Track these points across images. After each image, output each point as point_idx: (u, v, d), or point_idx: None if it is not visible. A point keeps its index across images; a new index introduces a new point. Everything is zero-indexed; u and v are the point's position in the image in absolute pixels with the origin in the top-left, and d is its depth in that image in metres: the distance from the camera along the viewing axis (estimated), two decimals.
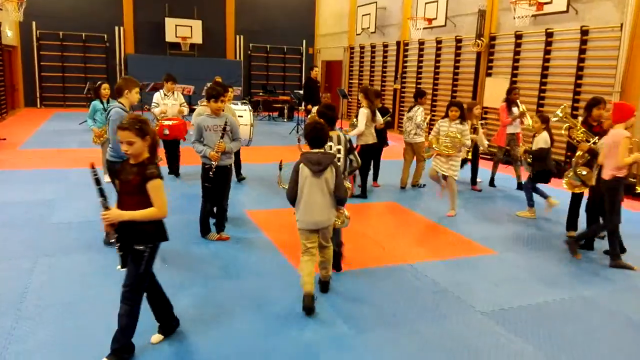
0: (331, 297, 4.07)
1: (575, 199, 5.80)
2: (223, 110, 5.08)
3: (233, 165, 5.43)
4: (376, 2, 15.91)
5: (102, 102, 7.39)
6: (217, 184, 5.08)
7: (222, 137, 4.95)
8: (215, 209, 5.37)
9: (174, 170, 7.93)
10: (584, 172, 5.50)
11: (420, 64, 14.35)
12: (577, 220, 5.89)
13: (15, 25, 16.37)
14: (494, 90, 11.52)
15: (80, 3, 17.37)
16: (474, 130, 7.41)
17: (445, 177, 6.51)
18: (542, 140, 6.19)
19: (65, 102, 17.51)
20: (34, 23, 16.79)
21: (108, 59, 18.02)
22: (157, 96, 7.94)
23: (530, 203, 6.50)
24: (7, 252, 4.69)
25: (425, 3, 13.47)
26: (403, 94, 15.21)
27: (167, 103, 7.92)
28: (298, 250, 5.07)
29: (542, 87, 10.30)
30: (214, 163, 4.93)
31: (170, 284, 4.20)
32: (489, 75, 11.83)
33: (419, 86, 14.38)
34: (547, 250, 5.44)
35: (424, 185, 7.93)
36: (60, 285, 4.11)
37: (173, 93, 7.98)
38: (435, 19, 13.17)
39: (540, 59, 10.34)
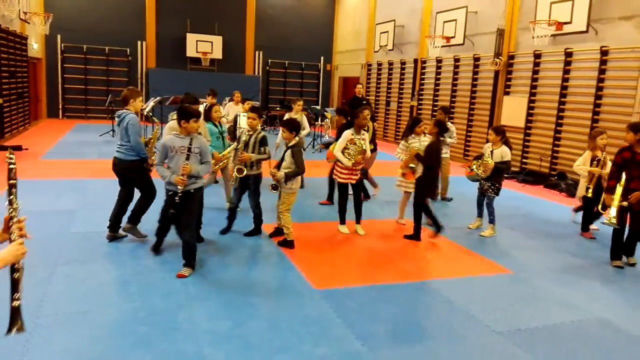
0: (345, 314, 4.06)
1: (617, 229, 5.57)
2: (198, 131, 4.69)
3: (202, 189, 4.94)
4: (394, 20, 16.03)
5: (215, 126, 6.80)
6: (180, 211, 4.61)
7: (187, 159, 4.51)
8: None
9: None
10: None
11: (438, 82, 14.37)
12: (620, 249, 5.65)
13: (41, 38, 16.82)
14: (512, 109, 11.48)
15: (104, 17, 17.79)
16: (597, 162, 6.34)
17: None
18: (505, 153, 6.23)
19: (87, 114, 17.86)
20: (59, 36, 17.23)
21: (130, 73, 18.37)
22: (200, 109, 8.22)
23: (492, 219, 6.45)
24: (26, 261, 4.74)
25: (444, 22, 13.54)
26: (420, 111, 15.22)
27: None
28: (314, 265, 5.10)
29: (561, 107, 10.24)
30: (179, 188, 4.48)
31: (185, 295, 4.24)
32: (507, 94, 11.80)
33: (436, 103, 14.39)
34: (564, 271, 5.36)
35: (451, 198, 7.97)
36: (77, 294, 4.17)
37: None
38: (454, 37, 13.21)
39: (559, 78, 10.30)
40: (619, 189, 5.44)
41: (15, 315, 2.08)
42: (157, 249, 5.13)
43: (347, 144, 6.05)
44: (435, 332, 3.87)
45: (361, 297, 4.41)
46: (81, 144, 12.17)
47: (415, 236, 6.13)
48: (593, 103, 9.53)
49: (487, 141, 6.56)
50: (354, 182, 6.23)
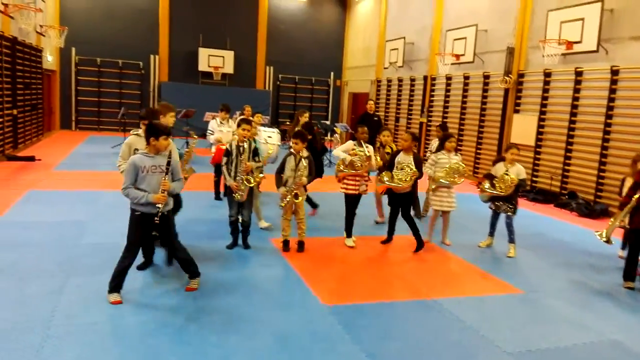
0: (354, 331, 4.05)
1: (633, 248, 5.51)
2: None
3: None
4: (404, 38, 16.14)
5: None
6: (160, 232, 4.47)
7: (165, 175, 4.29)
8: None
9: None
10: None
11: (447, 99, 14.41)
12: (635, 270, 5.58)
13: (56, 51, 17.10)
14: (522, 127, 11.48)
15: (118, 31, 18.08)
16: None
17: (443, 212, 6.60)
18: (521, 171, 6.22)
19: (99, 125, 18.06)
20: (73, 49, 17.51)
21: (142, 86, 18.60)
22: (213, 124, 8.42)
23: (513, 238, 6.41)
24: (38, 271, 4.81)
25: (454, 39, 13.62)
26: (429, 128, 15.25)
27: (223, 130, 8.67)
28: (322, 280, 5.10)
29: (572, 126, 10.23)
30: (159, 206, 4.22)
31: (194, 309, 4.25)
32: (517, 112, 11.80)
33: (445, 120, 14.43)
34: (575, 291, 5.32)
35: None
36: (88, 305, 4.19)
37: (227, 121, 8.64)
38: (463, 55, 13.28)
39: (569, 97, 10.29)
40: (626, 209, 5.39)
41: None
42: (144, 268, 5.06)
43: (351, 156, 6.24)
44: (445, 351, 3.84)
45: (370, 314, 4.40)
46: (93, 155, 12.29)
47: (421, 245, 6.28)
48: (604, 122, 9.50)
49: (498, 160, 6.49)
50: (362, 193, 6.27)
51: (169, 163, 4.25)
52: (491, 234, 6.60)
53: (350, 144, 6.34)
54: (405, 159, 6.20)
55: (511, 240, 6.39)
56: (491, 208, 6.44)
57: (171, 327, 3.91)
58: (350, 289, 5.00)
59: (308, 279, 5.12)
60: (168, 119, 5.44)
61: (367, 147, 6.25)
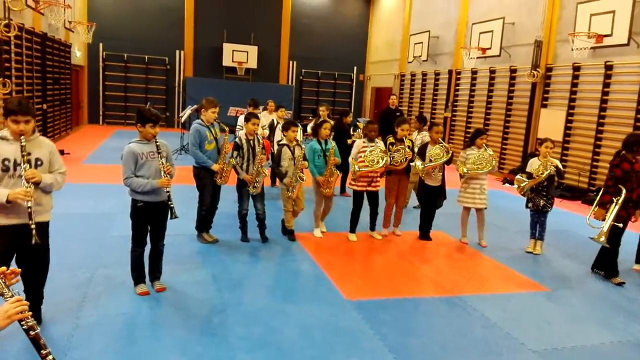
0: (378, 326, 4.05)
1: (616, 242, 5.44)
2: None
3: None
4: (429, 31, 15.98)
5: (320, 143, 6.24)
6: (155, 222, 4.35)
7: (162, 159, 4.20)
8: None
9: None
10: None
11: (473, 93, 14.23)
12: None
13: (84, 47, 17.42)
14: (550, 122, 11.27)
15: (144, 27, 18.32)
16: None
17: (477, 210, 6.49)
18: (557, 162, 6.11)
19: (126, 120, 18.36)
20: (101, 45, 17.81)
21: (168, 81, 18.84)
22: (242, 119, 8.43)
23: (543, 235, 6.33)
24: (68, 262, 4.92)
25: (480, 33, 13.43)
26: (454, 122, 15.09)
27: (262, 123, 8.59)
28: (345, 275, 5.11)
29: (601, 121, 10.00)
30: (168, 190, 4.14)
31: (219, 300, 4.31)
32: (544, 106, 11.59)
33: (470, 115, 14.25)
34: (603, 290, 5.22)
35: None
36: (116, 296, 4.28)
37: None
38: (490, 48, 13.08)
39: (599, 91, 10.06)
40: (615, 207, 5.25)
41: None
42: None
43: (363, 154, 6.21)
44: (469, 349, 3.82)
45: (394, 309, 4.39)
46: (120, 149, 12.29)
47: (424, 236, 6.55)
48: (634, 118, 9.27)
49: (531, 156, 6.35)
50: (373, 189, 6.26)
51: (158, 147, 4.14)
52: (533, 235, 6.35)
53: (359, 143, 6.26)
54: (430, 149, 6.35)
55: (541, 237, 6.29)
56: (531, 209, 6.26)
57: (197, 319, 3.97)
58: (374, 284, 5.00)
59: (332, 274, 5.14)
60: (209, 115, 5.64)
61: (377, 143, 6.20)
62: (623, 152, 5.39)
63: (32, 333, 1.86)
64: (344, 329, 3.97)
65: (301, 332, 3.88)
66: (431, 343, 3.85)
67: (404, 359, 3.59)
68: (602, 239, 5.23)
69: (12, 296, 1.87)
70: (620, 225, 5.30)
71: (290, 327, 3.93)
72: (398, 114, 11.23)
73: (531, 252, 6.28)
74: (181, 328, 3.80)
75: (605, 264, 5.55)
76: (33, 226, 3.26)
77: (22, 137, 3.33)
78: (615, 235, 5.34)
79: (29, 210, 3.26)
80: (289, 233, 6.24)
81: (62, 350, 3.39)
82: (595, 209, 5.48)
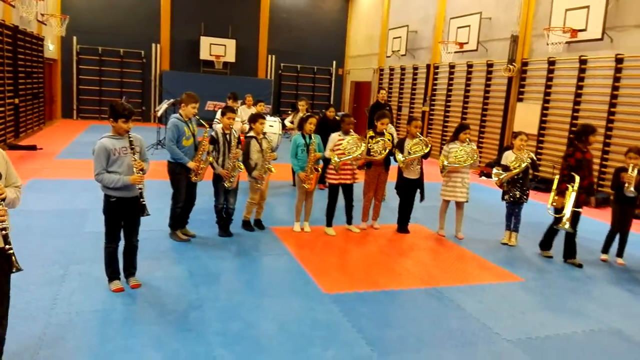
0: (355, 319, 4.06)
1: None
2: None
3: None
4: (407, 26, 16.03)
5: (304, 137, 6.21)
6: (129, 218, 4.27)
7: (134, 155, 4.13)
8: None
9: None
10: None
11: (450, 87, 14.34)
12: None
13: (57, 40, 17.03)
14: (525, 116, 11.42)
15: (119, 20, 17.99)
16: None
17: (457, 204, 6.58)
18: (532, 156, 6.26)
19: (100, 114, 18.01)
20: (74, 38, 17.44)
21: (144, 75, 18.55)
22: (220, 113, 8.28)
23: (518, 227, 6.48)
24: (40, 259, 4.82)
25: (457, 27, 13.52)
26: (432, 117, 15.19)
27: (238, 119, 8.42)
28: (323, 269, 5.12)
29: (575, 114, 10.17)
30: (140, 186, 4.08)
31: (196, 295, 4.27)
32: (520, 100, 11.74)
33: (448, 109, 14.37)
34: (576, 280, 5.33)
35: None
36: (89, 293, 4.21)
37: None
38: (467, 43, 13.18)
39: (573, 86, 10.23)
40: (572, 194, 5.50)
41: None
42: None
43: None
44: (445, 339, 3.86)
45: (371, 302, 4.41)
46: (95, 144, 12.24)
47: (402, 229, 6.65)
48: (607, 111, 9.45)
49: (506, 149, 6.50)
50: (346, 182, 6.28)
51: (131, 142, 4.07)
52: (508, 227, 6.47)
53: (335, 137, 6.24)
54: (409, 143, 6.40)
55: (516, 229, 6.40)
56: (507, 201, 6.36)
57: (173, 315, 3.93)
58: (352, 277, 5.01)
59: (310, 268, 5.13)
60: (189, 109, 5.52)
61: (352, 135, 6.20)
62: (575, 142, 5.70)
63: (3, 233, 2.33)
64: (322, 322, 3.97)
65: (279, 326, 3.86)
66: (408, 335, 3.88)
67: (381, 350, 3.61)
68: (567, 225, 5.47)
69: None
70: (580, 210, 5.61)
71: (268, 322, 3.92)
72: (387, 108, 11.29)
73: (506, 244, 6.37)
74: (157, 324, 3.75)
75: (567, 247, 5.84)
76: (12, 251, 2.78)
77: None
78: (574, 220, 5.59)
79: (5, 232, 2.75)
80: (246, 224, 6.25)
81: (33, 349, 3.32)
82: (555, 198, 5.68)
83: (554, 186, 5.73)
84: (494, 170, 6.33)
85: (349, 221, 6.51)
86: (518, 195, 6.23)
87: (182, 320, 3.84)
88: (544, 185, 10.23)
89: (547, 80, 10.93)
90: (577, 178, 5.50)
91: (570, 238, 5.80)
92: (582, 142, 5.67)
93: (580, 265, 5.72)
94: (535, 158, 6.26)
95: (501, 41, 12.23)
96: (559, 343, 3.91)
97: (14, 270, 2.79)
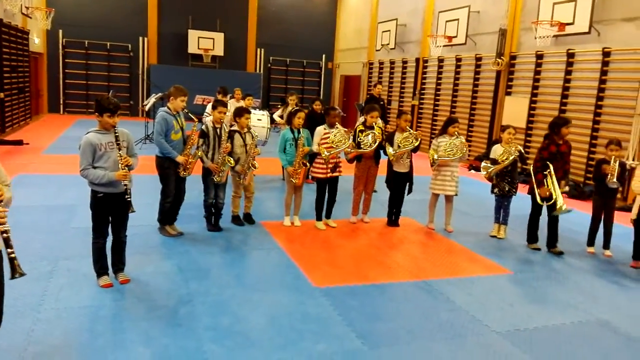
0: (346, 312, 4.07)
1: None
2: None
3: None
4: (397, 19, 16.02)
5: (292, 132, 6.17)
6: (116, 213, 4.22)
7: (119, 150, 4.07)
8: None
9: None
10: None
11: (439, 81, 14.37)
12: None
13: (43, 33, 16.79)
14: (514, 109, 11.49)
15: (106, 13, 17.78)
16: None
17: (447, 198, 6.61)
18: (519, 149, 6.32)
19: (88, 109, 17.83)
20: (60, 31, 17.20)
21: (131, 68, 18.37)
22: (210, 107, 8.21)
23: (507, 220, 6.55)
24: (28, 255, 4.76)
25: (446, 21, 13.53)
26: (421, 110, 15.22)
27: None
28: (313, 263, 5.12)
29: (563, 108, 10.24)
30: (126, 182, 4.03)
31: (186, 291, 4.25)
32: (509, 94, 11.80)
33: (437, 102, 14.40)
34: (564, 272, 5.38)
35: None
36: (78, 288, 4.18)
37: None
38: (456, 37, 13.21)
39: (561, 79, 10.30)
40: (551, 179, 5.69)
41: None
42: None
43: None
44: (435, 331, 3.88)
45: (361, 295, 4.42)
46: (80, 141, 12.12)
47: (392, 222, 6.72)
48: (594, 104, 9.53)
49: (495, 143, 6.58)
50: (333, 176, 6.25)
51: (117, 137, 4.02)
52: (497, 220, 6.51)
53: (321, 130, 6.20)
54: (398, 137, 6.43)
55: (505, 222, 6.46)
56: (496, 194, 6.40)
57: (163, 310, 3.91)
58: (342, 271, 5.02)
59: (300, 262, 5.13)
60: (178, 103, 5.46)
61: (337, 129, 6.18)
62: (550, 134, 5.88)
63: (4, 235, 2.30)
64: (312, 316, 3.97)
65: (269, 320, 3.86)
66: (398, 328, 3.89)
67: (372, 344, 3.62)
68: (564, 207, 5.63)
69: None
70: (567, 188, 5.92)
71: (258, 316, 3.91)
72: (382, 102, 11.34)
73: (495, 236, 6.42)
74: (146, 320, 3.73)
75: (550, 236, 6.03)
76: (13, 255, 2.66)
77: None
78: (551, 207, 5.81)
79: (6, 235, 2.63)
80: (235, 219, 6.26)
81: (21, 345, 3.29)
82: (539, 190, 5.82)
83: (533, 179, 5.87)
84: (483, 164, 6.37)
85: (328, 215, 6.49)
86: (507, 189, 6.28)
87: (172, 316, 3.83)
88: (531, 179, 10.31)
89: (535, 74, 11.00)
90: (551, 165, 5.70)
91: (553, 227, 5.97)
92: (554, 134, 5.82)
93: (561, 253, 5.89)
94: (523, 151, 6.30)
95: (489, 35, 12.27)
96: (547, 334, 3.95)
97: (16, 276, 2.61)
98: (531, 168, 5.99)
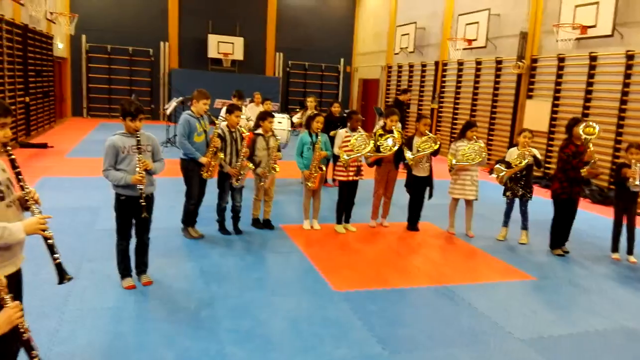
0: (366, 317, 4.06)
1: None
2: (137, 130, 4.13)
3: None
4: (415, 23, 15.96)
5: (311, 135, 6.14)
6: (140, 216, 4.18)
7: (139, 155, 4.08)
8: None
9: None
10: None
11: (459, 85, 14.27)
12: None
13: (67, 38, 17.13)
14: (535, 113, 11.35)
15: (128, 18, 18.07)
16: None
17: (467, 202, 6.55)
18: (536, 152, 6.22)
19: (110, 112, 18.12)
20: (84, 36, 17.53)
21: (153, 73, 18.62)
22: (224, 111, 8.30)
23: (527, 224, 6.46)
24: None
25: (466, 24, 13.44)
26: (440, 114, 15.13)
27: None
28: (333, 267, 5.12)
29: (585, 112, 10.08)
30: (141, 187, 4.04)
31: (207, 293, 4.28)
32: (530, 97, 11.66)
33: (457, 106, 14.30)
34: (588, 278, 5.29)
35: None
36: (102, 290, 4.24)
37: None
38: (476, 40, 13.11)
39: (583, 82, 10.14)
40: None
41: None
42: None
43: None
44: (457, 338, 3.85)
45: (382, 300, 4.40)
46: (105, 142, 12.29)
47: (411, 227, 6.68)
48: (618, 108, 9.36)
49: (512, 147, 6.50)
50: (353, 180, 6.24)
51: (138, 142, 4.05)
52: (506, 224, 6.49)
53: (342, 133, 6.23)
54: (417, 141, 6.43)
55: (525, 226, 6.37)
56: (507, 197, 6.35)
57: (184, 312, 3.95)
58: (361, 275, 5.01)
59: (319, 265, 5.13)
60: (200, 106, 5.55)
61: (359, 132, 6.17)
62: (568, 136, 5.87)
63: (25, 336, 2.11)
64: (332, 320, 3.97)
65: (290, 324, 3.87)
66: (418, 333, 3.87)
67: (392, 349, 3.60)
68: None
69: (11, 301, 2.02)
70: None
71: (278, 319, 3.92)
72: (406, 107, 11.42)
73: (502, 240, 6.42)
74: (168, 322, 3.77)
75: (553, 236, 6.09)
76: (59, 261, 2.63)
77: (9, 147, 2.55)
78: (565, 206, 5.90)
79: (50, 242, 2.58)
80: (256, 222, 6.29)
81: (47, 345, 3.34)
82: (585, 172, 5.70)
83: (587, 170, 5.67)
84: (496, 166, 6.33)
85: (347, 219, 6.49)
86: (521, 193, 6.22)
87: (193, 318, 3.86)
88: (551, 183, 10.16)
89: (557, 77, 10.85)
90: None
91: (567, 226, 6.02)
92: (571, 135, 5.80)
93: (567, 252, 6.00)
94: (538, 155, 6.20)
95: (510, 38, 12.15)
96: (571, 342, 3.89)
97: (65, 281, 2.60)
98: (555, 170, 5.94)
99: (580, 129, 5.63)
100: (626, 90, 9.27)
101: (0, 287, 2.03)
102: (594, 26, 9.60)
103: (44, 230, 2.51)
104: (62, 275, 2.58)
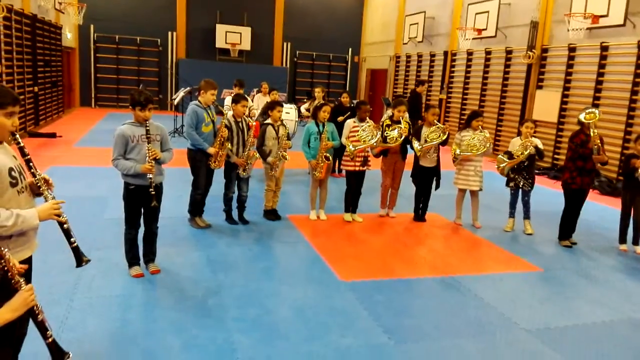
0: (372, 307, 4.07)
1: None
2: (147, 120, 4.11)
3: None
4: (424, 12, 15.83)
5: (317, 125, 6.16)
6: (148, 205, 4.21)
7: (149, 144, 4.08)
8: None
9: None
10: None
11: (468, 75, 14.16)
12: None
13: (75, 28, 17.15)
14: (545, 104, 11.25)
15: (136, 9, 18.05)
16: None
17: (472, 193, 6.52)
18: (538, 142, 6.22)
19: (118, 102, 18.17)
20: (92, 26, 17.54)
21: (160, 63, 18.61)
22: (229, 100, 8.28)
23: (529, 214, 6.44)
24: (61, 245, 4.86)
25: (476, 13, 13.31)
26: (449, 104, 15.04)
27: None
28: (340, 257, 5.13)
29: (596, 102, 9.98)
30: (151, 176, 4.06)
31: (214, 282, 4.31)
32: (540, 87, 11.56)
33: (466, 96, 14.20)
34: (594, 269, 5.27)
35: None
36: (110, 278, 4.28)
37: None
38: (485, 29, 12.98)
39: (594, 73, 10.03)
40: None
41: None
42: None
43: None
44: (463, 328, 3.85)
45: (388, 290, 4.41)
46: (113, 132, 12.31)
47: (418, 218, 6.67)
48: (629, 99, 9.26)
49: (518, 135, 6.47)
50: (361, 170, 6.25)
51: (147, 131, 4.04)
52: (512, 215, 6.48)
53: (350, 123, 6.22)
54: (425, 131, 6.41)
55: (527, 216, 6.38)
56: (511, 187, 6.34)
57: (192, 300, 3.98)
58: (368, 265, 5.02)
59: (326, 255, 5.14)
60: (208, 96, 5.54)
61: (367, 123, 6.16)
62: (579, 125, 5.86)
63: (40, 317, 2.19)
64: (339, 310, 3.98)
65: (296, 312, 3.89)
66: (425, 323, 3.87)
67: (398, 339, 3.61)
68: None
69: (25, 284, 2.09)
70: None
71: (285, 308, 3.94)
72: (426, 99, 11.42)
73: (509, 231, 6.39)
74: (176, 310, 3.80)
75: (562, 227, 6.07)
76: (76, 245, 2.77)
77: (17, 135, 2.51)
78: (575, 198, 5.92)
79: (66, 226, 2.69)
80: (268, 213, 6.28)
81: (56, 332, 3.35)
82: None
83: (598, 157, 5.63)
84: (499, 157, 6.31)
85: (354, 209, 6.49)
86: (522, 183, 6.20)
87: (200, 306, 3.89)
88: (561, 174, 10.10)
89: (567, 67, 10.73)
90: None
91: (574, 218, 5.99)
92: (582, 125, 5.78)
93: (574, 244, 5.99)
94: (540, 146, 6.18)
95: (520, 27, 12.02)
96: (578, 333, 3.88)
97: (83, 264, 2.71)
98: (565, 160, 5.93)
99: (581, 116, 5.67)
100: (637, 81, 9.16)
101: (16, 270, 2.08)
102: (605, 15, 9.48)
103: (58, 216, 2.56)
104: (80, 258, 2.67)
